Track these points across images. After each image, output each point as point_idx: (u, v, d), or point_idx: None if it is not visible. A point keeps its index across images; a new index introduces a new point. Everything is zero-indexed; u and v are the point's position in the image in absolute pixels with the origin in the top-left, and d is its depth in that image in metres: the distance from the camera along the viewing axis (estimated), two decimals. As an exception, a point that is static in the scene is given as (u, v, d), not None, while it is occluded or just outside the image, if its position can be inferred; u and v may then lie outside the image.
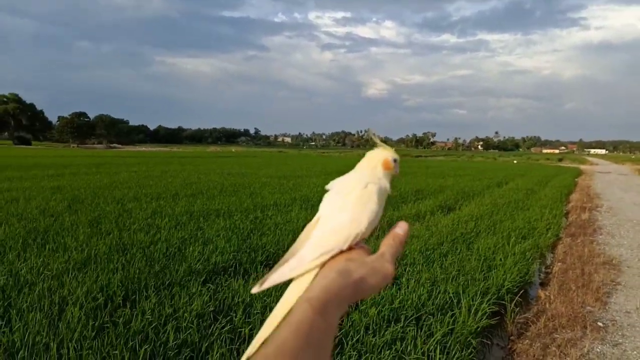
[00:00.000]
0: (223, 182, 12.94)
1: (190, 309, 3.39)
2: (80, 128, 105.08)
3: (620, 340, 3.44)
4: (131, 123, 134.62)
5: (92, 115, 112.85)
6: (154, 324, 3.10)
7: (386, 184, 0.63)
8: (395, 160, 0.65)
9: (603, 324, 3.71)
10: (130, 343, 2.82)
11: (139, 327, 3.04)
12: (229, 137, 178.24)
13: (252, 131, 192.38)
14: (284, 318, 0.49)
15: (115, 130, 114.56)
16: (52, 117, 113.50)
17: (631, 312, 4.00)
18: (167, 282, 3.98)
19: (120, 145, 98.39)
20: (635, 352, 3.26)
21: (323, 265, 0.57)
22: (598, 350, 3.27)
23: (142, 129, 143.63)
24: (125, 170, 17.57)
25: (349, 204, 0.60)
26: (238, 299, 3.66)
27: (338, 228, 0.58)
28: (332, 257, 0.58)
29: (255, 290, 0.58)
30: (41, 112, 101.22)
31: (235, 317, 3.35)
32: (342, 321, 3.31)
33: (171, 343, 2.86)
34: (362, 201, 0.60)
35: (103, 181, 12.30)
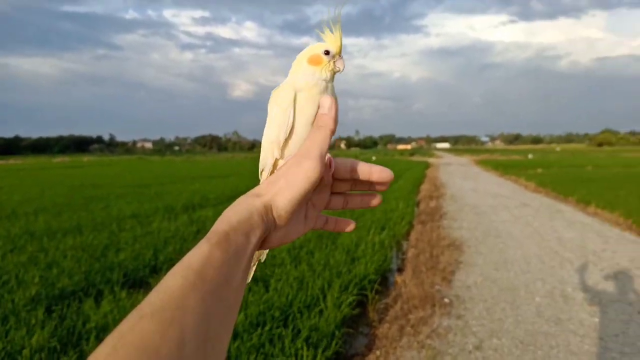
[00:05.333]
0: (72, 196, 11.59)
1: (29, 343, 2.94)
2: None
3: (462, 313, 3.90)
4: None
5: None
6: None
7: (312, 79, 0.54)
8: (326, 52, 0.54)
9: (449, 299, 4.18)
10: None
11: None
12: (80, 145, 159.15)
13: (106, 137, 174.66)
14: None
15: None
16: None
17: (471, 286, 4.57)
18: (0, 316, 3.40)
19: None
20: (474, 321, 3.73)
21: None
22: (445, 324, 3.67)
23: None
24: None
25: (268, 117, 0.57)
26: (90, 324, 3.29)
27: (263, 143, 0.58)
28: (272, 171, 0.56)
29: None
30: None
31: (87, 345, 3.00)
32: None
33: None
34: (270, 108, 0.56)
35: None
